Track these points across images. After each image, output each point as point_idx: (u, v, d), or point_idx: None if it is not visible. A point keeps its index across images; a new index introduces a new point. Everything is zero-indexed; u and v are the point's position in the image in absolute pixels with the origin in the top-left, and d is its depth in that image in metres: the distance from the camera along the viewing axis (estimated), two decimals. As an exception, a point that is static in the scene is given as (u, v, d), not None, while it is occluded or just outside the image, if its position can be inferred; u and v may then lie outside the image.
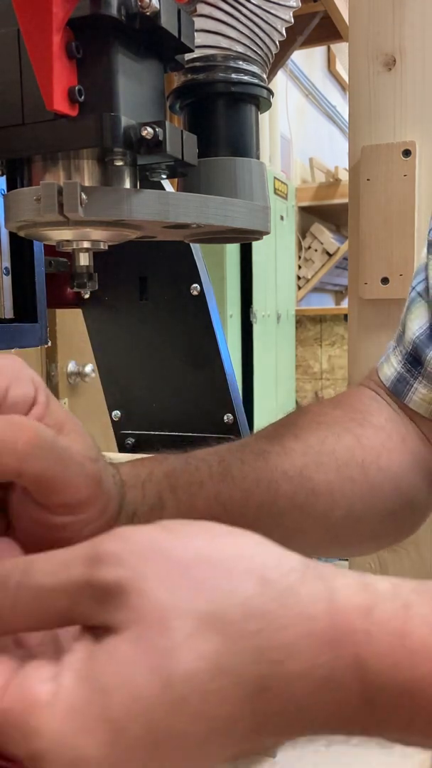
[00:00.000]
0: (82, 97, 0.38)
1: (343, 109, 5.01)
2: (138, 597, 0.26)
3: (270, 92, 0.50)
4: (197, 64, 0.48)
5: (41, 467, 0.34)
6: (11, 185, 0.43)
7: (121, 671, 0.25)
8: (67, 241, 0.44)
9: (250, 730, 0.26)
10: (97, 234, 0.44)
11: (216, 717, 0.26)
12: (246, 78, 0.48)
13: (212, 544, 0.28)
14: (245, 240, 0.55)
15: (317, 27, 2.10)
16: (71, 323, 1.99)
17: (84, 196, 0.39)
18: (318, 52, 4.66)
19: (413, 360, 0.57)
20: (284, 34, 0.49)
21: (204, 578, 0.27)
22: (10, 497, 0.37)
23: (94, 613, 0.27)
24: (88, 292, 0.86)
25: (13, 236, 0.67)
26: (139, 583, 0.26)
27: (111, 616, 0.26)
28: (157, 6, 0.38)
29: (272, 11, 0.47)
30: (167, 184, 0.67)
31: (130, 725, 0.25)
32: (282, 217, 3.33)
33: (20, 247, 0.68)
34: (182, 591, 0.26)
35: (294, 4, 0.48)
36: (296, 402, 3.83)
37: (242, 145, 0.50)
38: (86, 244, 0.45)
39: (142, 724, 0.25)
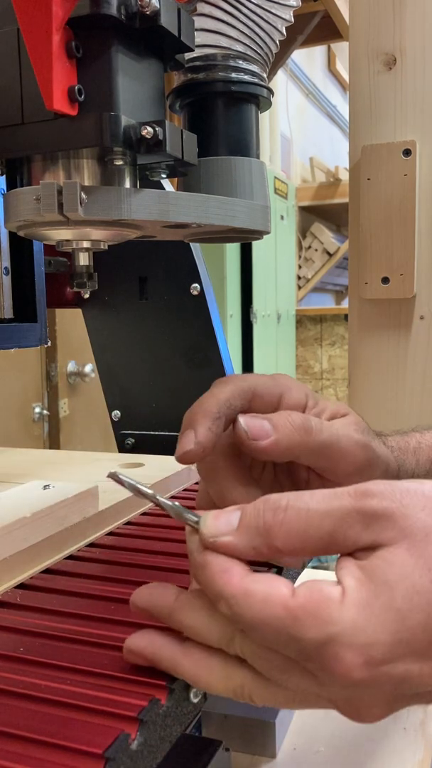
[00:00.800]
0: (82, 97, 0.38)
1: (343, 108, 5.01)
2: (404, 519, 0.30)
3: (270, 91, 0.50)
4: (197, 63, 0.48)
5: (316, 445, 0.41)
6: (11, 185, 0.43)
7: (400, 571, 0.30)
8: (67, 240, 0.44)
9: None
10: (97, 234, 0.44)
11: None
12: (246, 77, 0.48)
13: None
14: (245, 240, 0.55)
15: (317, 26, 2.10)
16: (71, 323, 1.99)
17: (84, 196, 0.39)
18: (318, 51, 4.66)
19: None
20: (284, 33, 0.49)
21: None
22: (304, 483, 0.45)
23: (361, 535, 0.31)
24: (88, 292, 0.86)
25: (12, 236, 0.67)
26: (404, 509, 0.31)
27: (379, 535, 0.31)
28: (157, 5, 0.38)
29: (272, 10, 0.47)
30: (167, 184, 0.66)
31: (413, 614, 0.29)
32: (282, 217, 3.33)
33: (20, 246, 0.68)
34: None
35: (294, 4, 0.48)
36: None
37: (242, 144, 0.50)
38: (86, 244, 0.45)
39: (424, 614, 0.29)
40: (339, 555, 0.32)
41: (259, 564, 0.42)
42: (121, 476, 0.38)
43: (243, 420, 0.41)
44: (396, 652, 0.29)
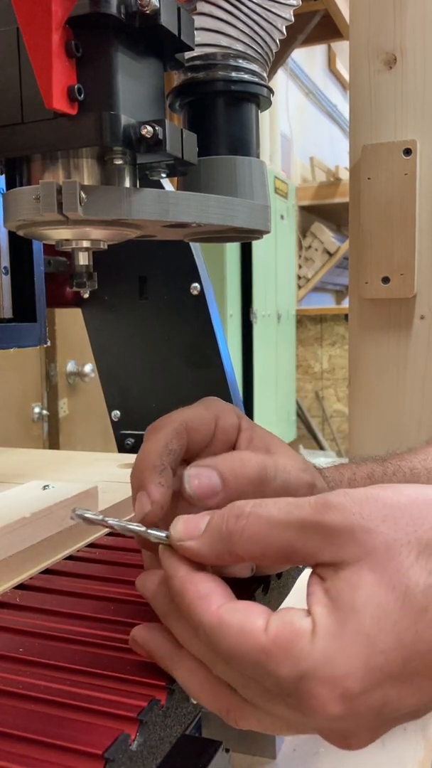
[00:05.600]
0: (82, 96, 0.38)
1: (343, 107, 5.01)
2: (364, 533, 0.29)
3: (270, 91, 0.50)
4: (197, 62, 0.48)
5: (268, 493, 0.39)
6: (10, 184, 0.43)
7: (364, 594, 0.29)
8: (67, 240, 0.44)
9: None
10: (97, 233, 0.44)
11: None
12: (246, 76, 0.48)
13: (420, 490, 0.31)
14: (245, 239, 0.55)
15: (318, 25, 2.10)
16: (71, 323, 1.98)
17: (83, 195, 0.38)
18: (318, 50, 4.66)
19: None
20: (284, 32, 0.49)
21: (420, 515, 0.30)
22: None
23: (320, 549, 0.30)
24: (88, 292, 0.86)
25: (12, 236, 0.67)
26: (365, 522, 0.30)
27: (341, 551, 0.30)
28: (157, 4, 0.38)
29: (273, 9, 0.47)
30: (167, 183, 0.66)
31: (383, 636, 0.28)
32: (282, 217, 3.33)
33: (19, 246, 0.68)
34: (404, 525, 0.30)
35: (294, 3, 0.48)
36: (296, 402, 3.83)
37: (242, 143, 0.50)
38: (86, 244, 0.45)
39: (392, 635, 0.28)
40: (311, 573, 0.32)
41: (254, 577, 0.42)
42: (79, 513, 0.38)
43: (188, 483, 0.39)
44: (371, 680, 0.28)
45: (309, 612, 0.30)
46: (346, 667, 0.28)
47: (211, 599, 0.32)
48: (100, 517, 0.38)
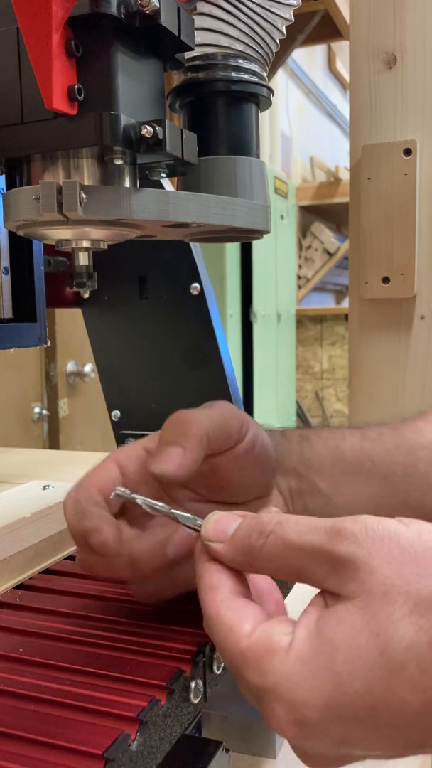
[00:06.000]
0: (82, 96, 0.38)
1: (343, 107, 5.00)
2: (367, 573, 0.29)
3: (270, 91, 0.50)
4: (197, 62, 0.48)
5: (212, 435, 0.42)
6: (10, 184, 0.43)
7: (347, 632, 0.29)
8: (67, 240, 0.44)
9: None
10: (97, 233, 0.44)
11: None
12: (246, 76, 0.48)
13: None
14: (245, 239, 0.55)
15: (318, 25, 2.10)
16: (71, 323, 1.99)
17: (83, 195, 0.38)
18: (318, 50, 4.66)
19: None
20: (284, 32, 0.49)
21: (428, 566, 0.29)
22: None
23: (326, 577, 0.30)
24: (88, 292, 0.86)
25: (12, 235, 0.67)
26: (371, 560, 0.29)
27: (342, 584, 0.30)
28: (157, 4, 0.38)
29: (272, 9, 0.47)
30: (167, 183, 0.66)
31: (352, 680, 0.28)
32: (282, 217, 3.33)
33: (19, 246, 0.68)
34: (408, 574, 0.29)
35: (294, 3, 0.48)
36: (296, 402, 3.83)
37: (242, 143, 0.50)
38: (86, 244, 0.45)
39: (362, 681, 0.28)
40: (318, 592, 0.32)
41: None
42: (126, 493, 0.39)
43: (155, 465, 0.41)
44: (330, 715, 0.28)
45: (294, 630, 0.30)
46: (306, 696, 0.28)
47: (218, 591, 0.33)
48: (147, 499, 0.39)
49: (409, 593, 0.28)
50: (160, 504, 0.38)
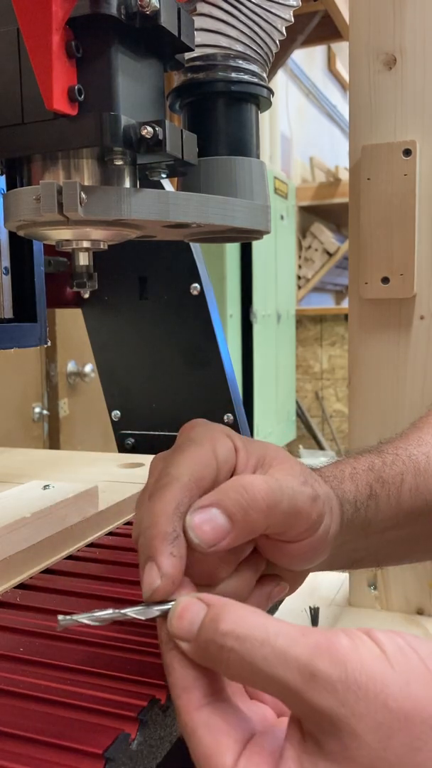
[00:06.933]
0: (82, 97, 0.38)
1: (343, 108, 5.01)
2: (351, 739, 0.26)
3: (270, 91, 0.50)
4: (197, 63, 0.48)
5: (281, 517, 0.37)
6: (11, 184, 0.43)
7: None
8: (67, 240, 0.44)
9: None
10: (97, 233, 0.44)
11: None
12: (246, 77, 0.48)
13: None
14: (245, 239, 0.55)
15: (317, 26, 2.10)
16: (71, 323, 1.99)
17: (84, 196, 0.39)
18: (318, 51, 4.66)
19: None
20: (284, 33, 0.49)
21: (420, 737, 0.26)
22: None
23: (305, 718, 0.27)
24: (88, 292, 0.86)
25: (12, 236, 0.67)
26: (354, 724, 0.26)
27: (322, 735, 0.27)
28: (157, 5, 0.38)
29: (272, 10, 0.47)
30: (167, 184, 0.66)
31: None
32: (282, 217, 3.33)
33: (20, 246, 0.68)
34: (396, 746, 0.26)
35: (294, 3, 0.48)
36: (296, 402, 3.83)
37: (242, 144, 0.50)
38: (86, 244, 0.45)
39: None
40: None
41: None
42: (70, 619, 0.34)
43: (193, 533, 0.35)
44: None
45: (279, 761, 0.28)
46: None
47: (191, 695, 0.30)
48: (87, 615, 0.35)
49: None
50: (108, 612, 0.35)
